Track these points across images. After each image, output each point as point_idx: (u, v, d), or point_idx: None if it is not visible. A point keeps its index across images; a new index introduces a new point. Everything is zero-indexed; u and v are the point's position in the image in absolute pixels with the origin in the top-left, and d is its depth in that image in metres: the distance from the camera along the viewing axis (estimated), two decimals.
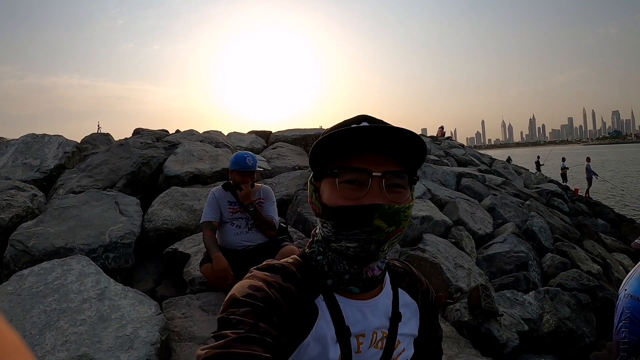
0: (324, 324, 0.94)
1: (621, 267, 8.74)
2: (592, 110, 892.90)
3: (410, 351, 1.11)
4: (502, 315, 4.71)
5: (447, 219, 7.35)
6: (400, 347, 1.06)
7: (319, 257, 1.01)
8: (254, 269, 0.99)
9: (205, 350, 0.76)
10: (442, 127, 23.24)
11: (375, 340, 1.01)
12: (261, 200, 4.07)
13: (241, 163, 3.96)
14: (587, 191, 21.70)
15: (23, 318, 3.16)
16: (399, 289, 1.12)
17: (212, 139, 9.17)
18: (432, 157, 13.00)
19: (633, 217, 15.45)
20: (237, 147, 8.87)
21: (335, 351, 0.94)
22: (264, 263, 1.01)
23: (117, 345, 2.97)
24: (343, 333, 0.95)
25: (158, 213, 5.38)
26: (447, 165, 13.40)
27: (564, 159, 26.49)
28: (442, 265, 5.42)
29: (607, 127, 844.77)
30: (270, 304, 0.87)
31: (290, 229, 4.79)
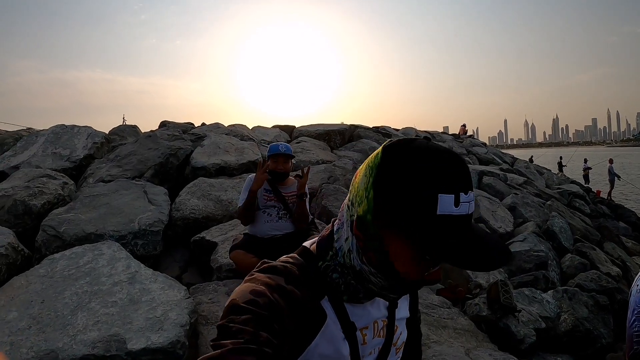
0: (332, 324, 0.94)
1: None
2: (617, 111, 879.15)
3: (405, 333, 1.14)
4: (520, 311, 4.75)
5: None
6: (398, 332, 1.09)
7: (334, 275, 0.95)
8: (255, 271, 0.96)
9: None
10: (464, 125, 23.00)
11: (377, 329, 1.03)
12: (295, 192, 4.17)
13: (273, 149, 4.14)
14: (609, 193, 21.41)
15: (55, 299, 3.30)
16: None
17: (237, 132, 9.33)
18: None
19: None
20: (262, 141, 9.00)
21: (345, 347, 0.95)
22: (264, 264, 0.98)
23: (148, 326, 3.09)
24: (349, 329, 0.96)
25: (186, 202, 5.53)
26: (469, 163, 13.37)
27: (586, 160, 26.20)
28: None
29: (631, 129, 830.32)
30: (272, 310, 0.84)
31: (315, 220, 4.90)
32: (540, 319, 4.95)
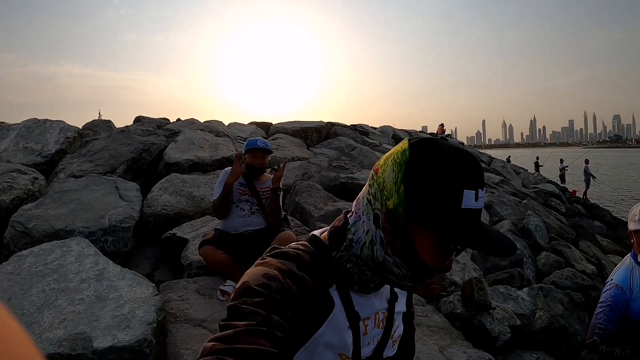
0: (339, 313, 0.97)
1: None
2: (594, 113, 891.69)
3: (402, 327, 1.18)
4: (494, 308, 4.74)
5: None
6: (396, 325, 1.12)
7: (348, 265, 0.98)
8: (267, 255, 0.97)
9: (212, 343, 0.76)
10: (442, 125, 23.26)
11: (378, 320, 1.06)
12: (269, 189, 4.13)
13: (251, 143, 4.11)
14: (585, 193, 21.75)
15: (22, 297, 3.21)
16: None
17: (212, 128, 9.24)
18: None
19: None
20: (238, 137, 8.92)
21: (349, 336, 0.98)
22: (275, 250, 0.99)
23: (114, 324, 3.02)
24: (353, 319, 0.98)
25: (157, 199, 5.43)
26: None
27: (562, 161, 26.55)
28: None
29: (607, 131, 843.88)
30: (285, 295, 0.86)
31: (289, 217, 4.86)
32: (515, 316, 4.94)
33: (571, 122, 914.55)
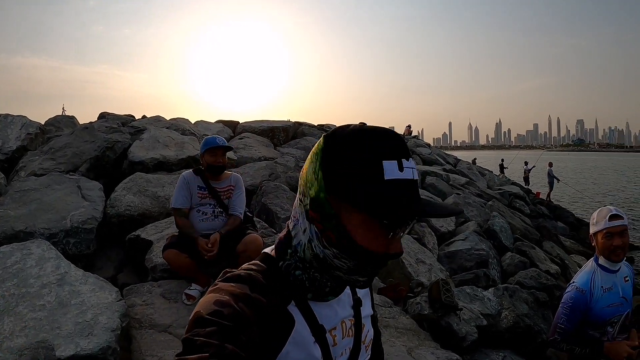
0: (302, 329, 0.93)
1: (578, 268, 8.92)
2: (558, 117, 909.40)
3: (372, 331, 1.14)
4: (461, 309, 4.77)
5: None
6: (365, 330, 1.09)
7: (297, 272, 0.95)
8: (219, 280, 0.93)
9: None
10: (409, 126, 23.46)
11: (346, 329, 1.02)
12: (231, 187, 4.05)
13: (211, 142, 3.97)
14: (548, 195, 22.11)
15: None
16: None
17: (178, 126, 9.08)
18: None
19: None
20: (204, 136, 8.77)
21: (317, 351, 0.94)
22: (227, 274, 0.95)
23: (77, 331, 2.92)
24: (319, 332, 0.95)
25: (121, 199, 5.30)
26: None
27: (526, 163, 26.93)
28: (403, 260, 5.48)
29: (571, 135, 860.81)
30: (238, 320, 0.83)
31: (255, 219, 4.80)
32: (481, 316, 4.99)
33: (536, 125, 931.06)
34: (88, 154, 6.59)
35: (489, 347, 4.93)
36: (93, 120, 9.18)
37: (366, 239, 0.86)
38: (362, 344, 1.07)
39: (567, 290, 2.70)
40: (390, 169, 0.83)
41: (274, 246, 1.03)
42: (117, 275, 4.65)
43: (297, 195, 0.97)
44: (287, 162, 8.12)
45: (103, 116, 10.06)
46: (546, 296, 6.14)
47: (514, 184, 20.27)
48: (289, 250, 0.96)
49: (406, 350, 3.78)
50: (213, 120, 10.88)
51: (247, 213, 4.32)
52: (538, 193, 21.27)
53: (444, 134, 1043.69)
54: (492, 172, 21.88)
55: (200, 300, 0.88)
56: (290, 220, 1.00)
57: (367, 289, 1.17)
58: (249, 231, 3.94)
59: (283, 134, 10.49)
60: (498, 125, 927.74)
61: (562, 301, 2.68)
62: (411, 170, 0.86)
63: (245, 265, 0.98)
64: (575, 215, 16.89)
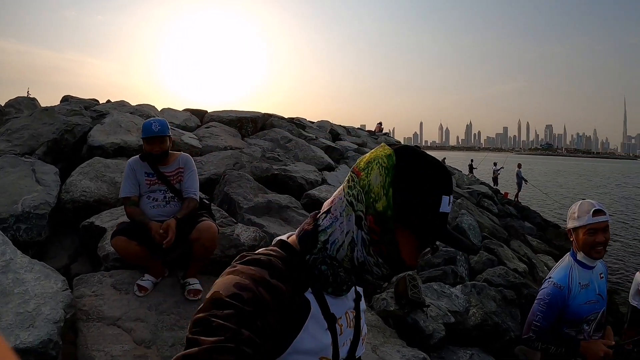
0: (316, 315, 0.96)
1: (546, 267, 8.99)
2: (527, 122, 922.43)
3: (366, 325, 1.20)
4: (428, 306, 4.68)
5: None
6: (362, 322, 1.15)
7: (323, 267, 0.99)
8: (238, 263, 0.95)
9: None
10: (380, 123, 23.63)
11: (349, 320, 1.08)
12: (180, 170, 3.82)
13: (146, 129, 3.72)
14: (517, 195, 22.43)
15: None
16: None
17: (143, 112, 8.81)
18: (367, 150, 12.93)
19: (558, 223, 15.96)
20: (170, 123, 8.51)
21: (327, 337, 0.98)
22: (246, 257, 0.96)
23: (17, 322, 2.72)
24: (330, 320, 0.99)
25: (77, 184, 5.02)
26: None
27: (495, 164, 27.28)
28: None
29: (539, 139, 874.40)
30: (257, 305, 0.83)
31: (214, 207, 4.61)
32: (449, 314, 4.90)
33: (505, 128, 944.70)
34: (46, 137, 6.29)
35: (456, 344, 4.86)
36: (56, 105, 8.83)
37: (409, 256, 0.96)
38: (360, 336, 1.13)
39: (543, 286, 2.58)
40: (445, 204, 0.94)
41: (291, 234, 1.09)
42: (71, 265, 4.38)
43: (344, 195, 1.00)
44: (254, 152, 7.89)
45: (66, 99, 9.72)
46: (514, 294, 6.09)
47: (482, 183, 20.44)
48: (317, 245, 1.00)
49: (371, 348, 3.68)
50: (181, 109, 10.58)
51: (204, 200, 4.12)
52: (506, 193, 21.54)
53: (415, 134, 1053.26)
54: (461, 171, 22.07)
55: (218, 280, 0.89)
56: (324, 215, 1.03)
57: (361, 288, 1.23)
58: (202, 218, 3.69)
59: (251, 125, 10.23)
60: (468, 127, 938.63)
61: (537, 297, 2.56)
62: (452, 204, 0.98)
63: (262, 250, 1.01)
64: (543, 216, 17.09)
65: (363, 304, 1.19)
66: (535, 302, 2.56)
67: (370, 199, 0.94)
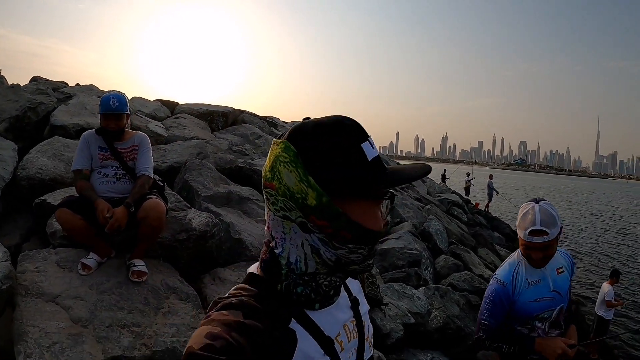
0: (307, 344, 0.90)
1: None
2: (502, 137, 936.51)
3: (371, 325, 1.14)
4: (386, 304, 4.62)
5: None
6: (366, 326, 1.09)
7: (299, 289, 0.92)
8: (211, 311, 0.88)
9: None
10: None
11: (349, 331, 1.01)
12: (135, 147, 3.74)
13: (104, 105, 3.63)
14: (487, 206, 22.69)
15: None
16: None
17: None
18: None
19: None
20: (139, 112, 8.33)
21: None
22: (217, 303, 0.89)
23: None
24: (327, 344, 0.93)
25: (34, 161, 4.84)
26: None
27: (468, 174, 27.65)
28: None
29: (513, 154, 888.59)
30: (231, 352, 0.78)
31: (169, 192, 4.55)
32: (409, 314, 4.86)
33: (480, 142, 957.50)
34: (8, 113, 6.08)
35: (417, 347, 4.83)
36: None
37: (372, 222, 0.87)
38: (365, 341, 1.06)
39: (490, 284, 2.49)
40: (369, 150, 0.86)
41: (256, 265, 1.01)
42: (23, 245, 4.22)
43: (273, 215, 0.93)
44: (220, 145, 7.73)
45: (35, 79, 9.46)
46: (478, 299, 6.08)
47: (454, 192, 20.62)
48: (282, 271, 0.93)
49: None
50: (152, 99, 10.38)
51: (158, 181, 4.01)
52: (477, 204, 21.79)
53: (391, 143, 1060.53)
54: (433, 180, 22.26)
55: (194, 333, 0.83)
56: (268, 241, 0.97)
57: (360, 286, 1.17)
58: (150, 196, 3.57)
59: (222, 119, 10.06)
60: (444, 139, 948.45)
61: (484, 296, 2.48)
62: (371, 146, 0.88)
63: (233, 291, 0.94)
64: (512, 227, 17.28)
65: (364, 307, 1.11)
66: (483, 300, 2.48)
67: (299, 200, 0.87)
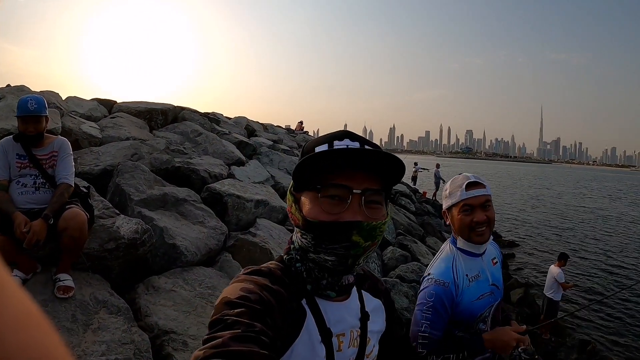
0: (311, 324, 0.98)
1: None
2: (449, 127, 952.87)
3: (377, 347, 1.16)
4: None
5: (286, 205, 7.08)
6: (370, 344, 1.11)
7: (297, 265, 1.04)
8: (242, 274, 0.99)
9: (203, 350, 0.75)
10: (301, 122, 23.94)
11: (352, 339, 1.06)
12: (54, 153, 3.49)
13: (21, 107, 3.39)
14: (435, 194, 22.96)
15: None
16: (362, 290, 1.17)
17: (44, 98, 8.07)
18: (283, 146, 12.71)
19: None
20: (72, 112, 7.93)
21: (320, 350, 0.98)
22: (250, 268, 1.02)
23: None
24: (325, 334, 0.99)
25: None
26: (297, 156, 13.41)
27: (416, 164, 27.92)
28: (272, 251, 5.02)
29: (460, 143, 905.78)
30: (264, 305, 0.87)
31: (98, 198, 4.27)
32: None
33: (428, 132, 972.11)
34: None
35: None
36: None
37: (313, 211, 0.97)
38: (365, 357, 1.09)
39: (423, 286, 2.02)
40: (319, 149, 1.00)
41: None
42: None
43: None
44: (157, 145, 7.39)
45: None
46: None
47: (401, 182, 20.73)
48: (291, 246, 1.09)
49: None
50: (88, 98, 9.94)
51: (82, 188, 3.76)
52: (425, 192, 22.08)
53: None
54: None
55: (225, 289, 0.93)
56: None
57: (382, 307, 1.21)
58: (70, 206, 3.34)
59: (162, 117, 9.67)
60: (392, 130, 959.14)
61: (418, 302, 1.99)
62: (344, 145, 0.98)
63: (264, 264, 1.07)
64: None
65: (378, 325, 1.17)
66: (417, 308, 1.99)
67: (289, 206, 1.07)
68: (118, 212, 4.29)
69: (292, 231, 1.18)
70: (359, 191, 0.96)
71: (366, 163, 0.96)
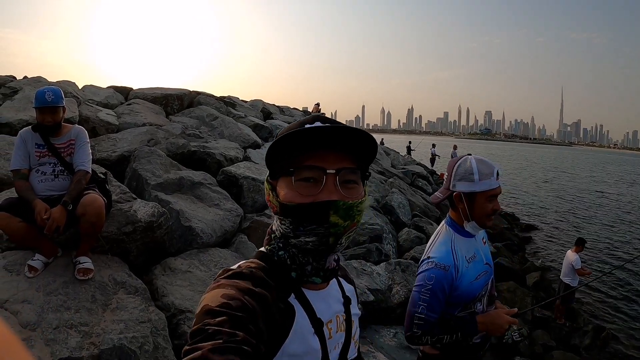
0: (302, 320, 0.97)
1: None
2: (468, 107, 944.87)
3: (359, 329, 1.21)
4: None
5: None
6: (354, 326, 1.15)
7: (280, 253, 1.03)
8: (221, 278, 0.97)
9: None
10: (318, 104, 23.72)
11: (339, 323, 1.08)
12: (72, 142, 3.60)
13: (40, 99, 3.49)
14: None
15: None
16: (338, 277, 1.19)
17: (61, 88, 8.20)
18: None
19: None
20: (89, 101, 8.06)
21: (315, 342, 0.98)
22: (228, 271, 0.99)
23: None
24: (317, 325, 1.00)
25: None
26: None
27: (434, 145, 27.71)
28: None
29: (479, 124, 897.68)
30: (246, 312, 0.85)
31: (115, 183, 4.35)
32: (368, 292, 4.82)
33: (446, 113, 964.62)
34: None
35: (379, 323, 4.80)
36: None
37: (288, 195, 0.97)
38: (352, 339, 1.12)
39: (422, 269, 2.04)
40: (294, 132, 0.93)
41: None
42: None
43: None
44: (173, 129, 7.48)
45: None
46: None
47: (418, 164, 20.66)
48: (272, 235, 1.07)
49: None
50: (105, 86, 10.07)
51: (100, 174, 3.87)
52: (442, 174, 21.86)
53: (357, 117, 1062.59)
54: (398, 152, 22.25)
55: (205, 295, 0.90)
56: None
57: (354, 293, 1.24)
58: (87, 192, 3.45)
59: (177, 102, 9.80)
60: (410, 111, 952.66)
61: (417, 283, 2.02)
62: (314, 127, 0.94)
63: (243, 263, 1.04)
64: None
65: (355, 308, 1.19)
66: (415, 289, 2.03)
67: (267, 197, 1.05)
68: (135, 196, 4.40)
69: None
70: (332, 171, 0.95)
71: (338, 142, 0.96)
